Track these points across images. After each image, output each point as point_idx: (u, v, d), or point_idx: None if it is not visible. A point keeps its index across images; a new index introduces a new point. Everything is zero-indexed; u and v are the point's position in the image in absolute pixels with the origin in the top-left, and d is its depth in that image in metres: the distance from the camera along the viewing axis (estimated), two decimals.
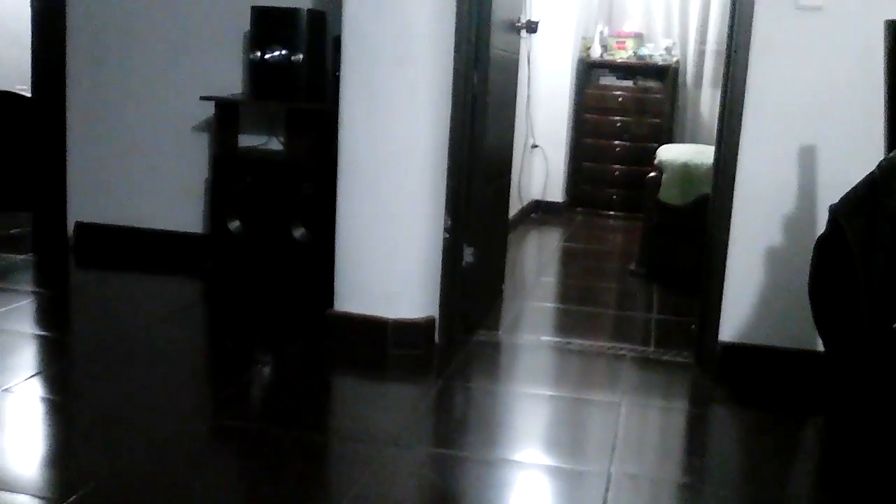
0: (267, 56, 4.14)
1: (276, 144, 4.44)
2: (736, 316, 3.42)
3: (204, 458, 2.62)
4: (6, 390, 2.92)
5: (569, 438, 2.92)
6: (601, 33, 7.17)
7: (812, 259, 2.61)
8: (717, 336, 3.44)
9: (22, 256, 4.68)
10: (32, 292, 4.24)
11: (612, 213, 7.13)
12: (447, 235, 3.57)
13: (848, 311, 2.36)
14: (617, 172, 7.12)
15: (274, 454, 2.61)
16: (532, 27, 4.94)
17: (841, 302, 2.41)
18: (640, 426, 3.09)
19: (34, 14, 4.70)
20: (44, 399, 2.96)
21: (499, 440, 2.85)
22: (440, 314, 3.60)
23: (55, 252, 4.74)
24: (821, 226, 2.68)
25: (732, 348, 3.43)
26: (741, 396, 3.31)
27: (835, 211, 2.45)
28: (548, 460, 2.72)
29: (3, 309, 3.84)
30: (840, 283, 2.40)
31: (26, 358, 3.36)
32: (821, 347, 3.18)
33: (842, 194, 2.48)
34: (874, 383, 2.32)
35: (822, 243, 2.55)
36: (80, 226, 4.77)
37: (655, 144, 6.19)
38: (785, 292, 3.33)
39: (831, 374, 2.81)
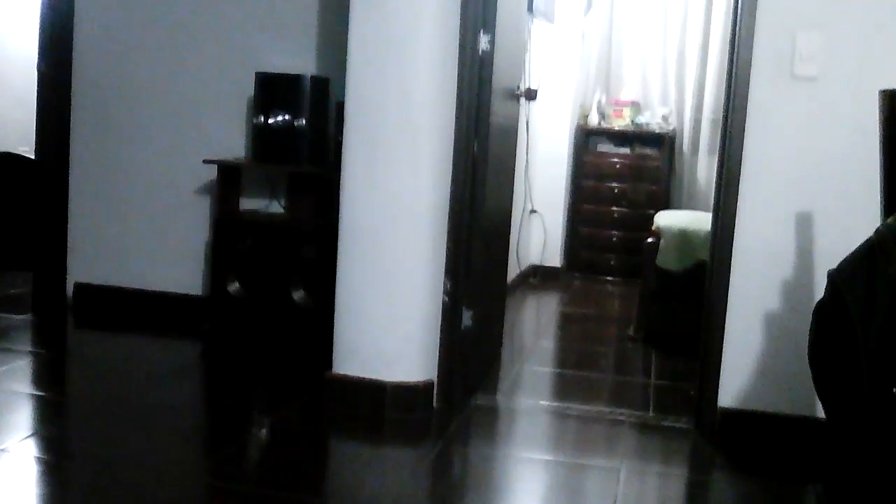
0: (270, 121, 4.19)
1: (277, 208, 4.48)
2: (735, 381, 3.41)
3: None
4: (1, 450, 2.90)
5: None
6: (599, 101, 7.27)
7: (811, 324, 2.62)
8: (716, 402, 3.43)
9: (21, 316, 4.67)
10: (30, 352, 4.23)
11: (610, 278, 7.15)
12: (447, 298, 3.58)
13: (848, 376, 2.36)
14: (615, 238, 7.16)
15: None
16: (531, 94, 5.02)
17: (841, 367, 2.41)
18: (640, 492, 3.07)
19: (40, 76, 4.77)
20: (39, 459, 2.93)
21: None
22: (439, 378, 3.59)
23: (54, 312, 4.74)
24: (819, 291, 2.69)
25: (732, 414, 3.41)
26: (741, 463, 3.29)
27: (833, 276, 2.46)
28: None
29: (1, 369, 3.83)
30: (840, 349, 2.41)
31: (22, 418, 3.34)
32: (820, 413, 3.17)
33: (839, 260, 2.49)
34: (874, 449, 2.31)
35: (821, 309, 2.56)
36: (79, 286, 4.78)
37: (653, 211, 6.23)
38: (784, 358, 3.33)
39: (831, 440, 2.79)
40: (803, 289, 3.29)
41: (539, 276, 6.94)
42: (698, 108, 7.19)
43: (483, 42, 3.58)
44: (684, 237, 4.78)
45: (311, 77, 4.21)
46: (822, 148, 3.29)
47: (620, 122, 7.20)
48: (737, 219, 3.36)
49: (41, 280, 4.81)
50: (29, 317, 4.67)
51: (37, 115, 4.85)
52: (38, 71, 4.77)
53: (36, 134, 4.89)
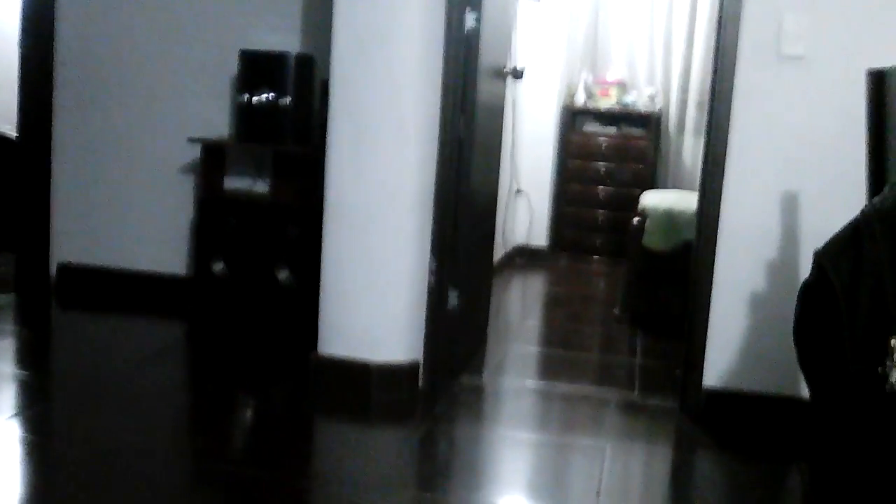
0: (254, 99, 4.16)
1: (261, 187, 4.45)
2: (720, 361, 3.42)
3: (184, 501, 2.59)
4: None
5: (553, 483, 2.91)
6: (585, 81, 7.25)
7: (796, 304, 2.62)
8: (701, 381, 3.44)
9: (4, 296, 4.64)
10: (13, 332, 4.21)
11: (595, 257, 7.16)
12: (432, 278, 3.57)
13: (833, 356, 2.37)
14: (601, 218, 7.16)
15: (255, 498, 2.58)
16: (518, 73, 5.00)
17: (826, 347, 2.42)
18: (625, 471, 3.08)
19: (21, 55, 4.72)
20: (23, 439, 2.92)
21: (483, 484, 2.84)
22: (425, 358, 3.59)
23: (37, 293, 4.71)
24: (804, 271, 2.70)
25: (716, 394, 3.43)
26: (725, 442, 3.31)
27: (819, 256, 2.46)
28: None
29: None
30: (825, 328, 2.41)
31: (6, 398, 3.33)
32: (805, 393, 3.18)
33: (825, 240, 2.50)
34: (859, 429, 2.32)
35: (807, 288, 2.56)
36: (62, 267, 4.75)
37: (639, 190, 6.23)
38: (769, 338, 3.34)
39: (816, 419, 2.81)
40: (789, 269, 3.30)
41: (525, 256, 6.95)
42: (685, 88, 7.19)
43: (469, 20, 3.56)
44: (670, 217, 4.78)
45: (296, 55, 4.17)
46: (808, 128, 3.29)
47: (607, 102, 7.19)
48: (722, 199, 3.36)
49: (24, 260, 4.78)
50: (12, 297, 4.64)
51: (18, 94, 4.80)
52: (20, 49, 4.71)
53: (17, 113, 4.85)
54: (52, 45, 4.66)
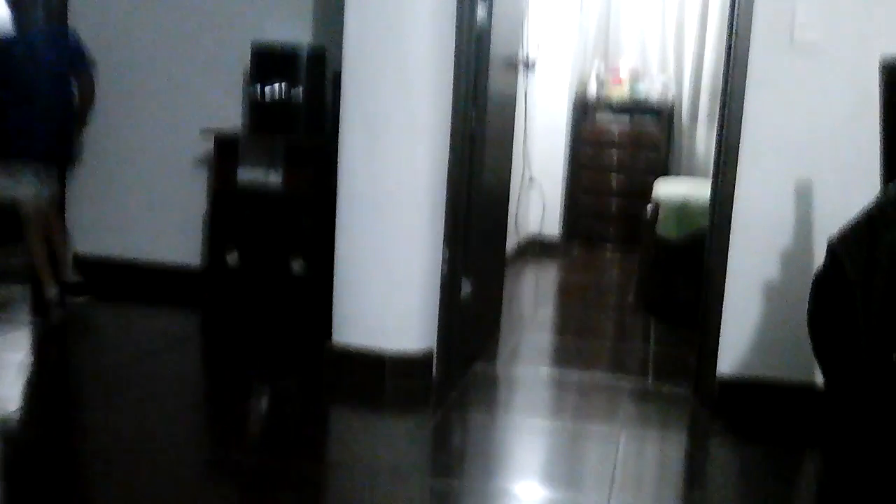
0: (267, 91, 4.17)
1: (274, 178, 4.46)
2: (734, 349, 3.42)
3: (200, 490, 2.61)
4: (1, 422, 2.91)
5: (567, 470, 2.92)
6: (597, 70, 7.23)
7: (810, 292, 2.62)
8: (715, 369, 3.44)
9: (20, 287, 4.67)
10: (30, 323, 4.24)
11: (608, 246, 7.15)
12: (445, 268, 3.58)
13: (847, 343, 2.37)
14: (613, 207, 7.15)
15: (271, 486, 2.60)
16: (530, 64, 4.98)
17: (840, 334, 2.42)
18: (639, 458, 3.09)
19: None
20: (38, 430, 2.94)
21: (497, 471, 2.85)
22: (438, 346, 3.60)
23: None
24: (818, 259, 2.70)
25: (730, 381, 3.43)
26: (739, 429, 3.31)
27: (833, 244, 2.46)
28: (546, 492, 2.71)
29: (0, 339, 3.84)
30: (839, 316, 2.41)
31: (21, 388, 3.35)
32: (819, 381, 3.19)
33: (839, 228, 2.50)
34: (874, 416, 2.32)
35: (821, 276, 2.56)
36: (77, 258, 4.77)
37: (652, 179, 6.22)
38: (783, 325, 3.34)
39: (830, 407, 2.81)
40: (803, 257, 3.29)
41: (538, 246, 6.94)
42: (697, 77, 7.16)
43: (481, 11, 3.56)
44: (684, 205, 4.77)
45: (308, 48, 4.18)
46: (821, 115, 3.28)
47: (619, 91, 7.17)
48: (736, 187, 3.36)
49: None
50: (28, 288, 4.67)
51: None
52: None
53: None
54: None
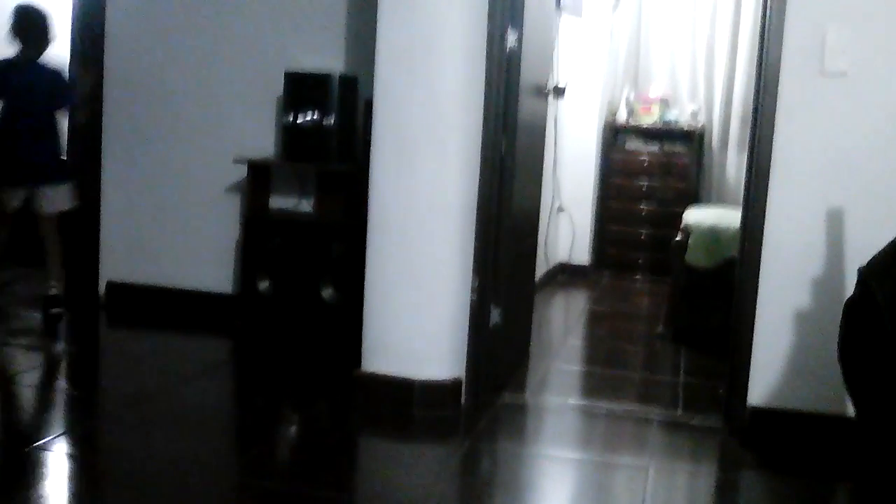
0: (299, 119, 4.22)
1: (306, 206, 4.50)
2: (764, 379, 3.39)
3: None
4: (36, 447, 2.94)
5: (595, 502, 2.90)
6: (627, 98, 7.24)
7: (841, 321, 2.60)
8: (745, 400, 3.41)
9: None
10: (63, 349, 4.29)
11: (638, 275, 7.12)
12: (475, 296, 3.58)
13: (878, 373, 2.35)
14: (643, 235, 7.13)
15: None
16: (559, 91, 5.00)
17: (871, 364, 2.40)
18: (668, 491, 3.06)
19: (71, 75, 4.81)
20: (71, 456, 2.97)
21: (525, 502, 2.83)
22: (467, 375, 3.60)
23: (86, 310, 4.79)
24: (849, 288, 2.68)
25: (761, 412, 3.39)
26: (770, 461, 3.27)
27: (864, 273, 2.45)
28: None
29: (35, 366, 3.88)
30: (870, 346, 2.39)
31: (56, 415, 3.39)
32: (850, 411, 3.15)
33: (870, 256, 2.48)
34: None
35: (852, 305, 2.54)
36: (111, 285, 4.83)
37: (682, 208, 6.19)
38: (814, 355, 3.31)
39: (862, 438, 2.78)
40: (833, 285, 3.26)
41: (567, 274, 6.93)
42: (727, 104, 7.14)
43: (511, 39, 3.58)
44: (714, 234, 4.75)
45: (340, 76, 4.23)
46: (852, 143, 3.26)
47: (649, 119, 7.16)
48: (766, 215, 3.34)
49: (74, 278, 4.86)
50: (62, 314, 4.72)
51: (68, 116, 4.91)
52: (69, 71, 4.82)
53: (68, 132, 4.95)
54: (102, 68, 4.76)
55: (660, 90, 7.25)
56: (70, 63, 4.84)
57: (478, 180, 3.54)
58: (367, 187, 3.56)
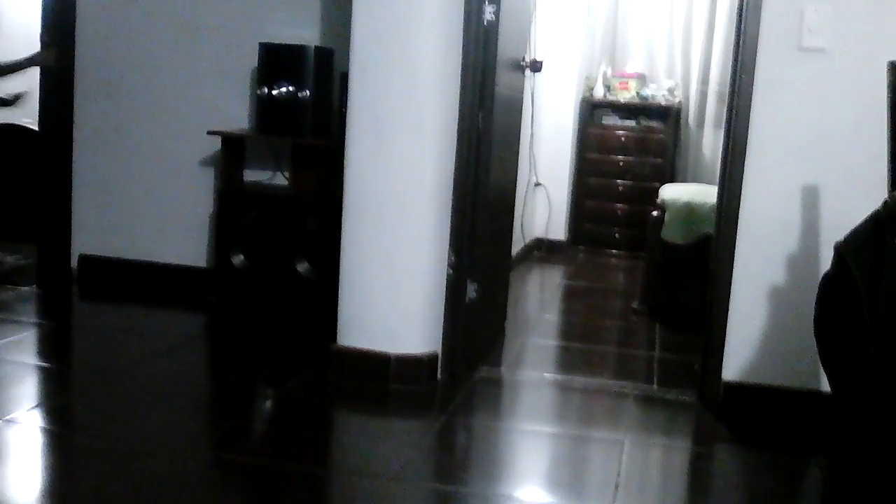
0: (274, 92, 4.17)
1: (281, 179, 4.47)
2: (739, 355, 3.41)
3: (204, 491, 2.61)
4: (8, 421, 2.91)
5: (571, 476, 2.91)
6: (604, 73, 7.23)
7: (817, 297, 2.62)
8: (720, 375, 3.43)
9: (26, 288, 4.68)
10: (35, 324, 4.24)
11: (614, 251, 7.14)
12: (451, 271, 3.57)
13: (854, 349, 2.36)
14: (619, 211, 7.14)
15: (275, 488, 2.60)
16: (536, 66, 4.97)
17: (847, 340, 2.41)
18: (643, 465, 3.08)
19: (43, 47, 4.73)
20: (44, 430, 2.95)
21: (501, 477, 2.84)
22: (443, 350, 3.59)
23: (59, 284, 4.74)
24: (825, 264, 2.69)
25: (736, 387, 3.42)
26: (744, 436, 3.30)
27: (840, 249, 2.46)
28: (550, 498, 2.70)
29: (6, 340, 3.84)
30: (846, 322, 2.40)
31: (28, 389, 3.36)
32: (825, 387, 3.17)
33: (846, 233, 2.49)
34: (880, 423, 2.31)
35: (828, 281, 2.55)
36: (84, 258, 4.78)
37: (658, 184, 6.21)
38: (789, 331, 3.33)
39: (836, 414, 2.80)
40: (809, 262, 3.28)
41: (543, 250, 6.94)
42: (704, 81, 7.15)
43: (488, 12, 3.55)
44: (690, 210, 4.77)
45: (316, 48, 4.18)
46: (829, 120, 3.27)
47: (626, 95, 7.16)
48: (743, 192, 3.35)
49: (46, 252, 4.81)
50: (34, 288, 4.68)
51: (40, 88, 4.84)
52: (41, 43, 4.74)
53: (39, 105, 4.89)
54: (73, 39, 4.69)
55: (637, 66, 7.25)
56: (41, 34, 4.74)
57: (454, 155, 3.52)
58: (343, 161, 3.53)
